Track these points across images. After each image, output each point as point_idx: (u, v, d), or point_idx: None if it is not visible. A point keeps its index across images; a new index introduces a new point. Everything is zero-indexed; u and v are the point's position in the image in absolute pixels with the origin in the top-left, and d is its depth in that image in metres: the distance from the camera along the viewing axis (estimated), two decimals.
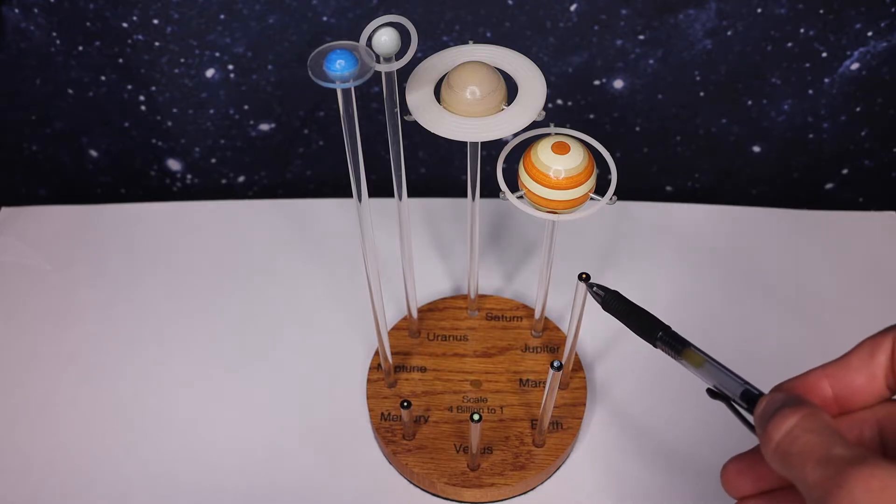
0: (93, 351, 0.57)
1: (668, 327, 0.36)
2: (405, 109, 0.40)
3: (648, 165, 0.71)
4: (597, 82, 0.64)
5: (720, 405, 0.32)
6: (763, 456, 0.28)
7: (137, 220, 0.66)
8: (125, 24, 0.60)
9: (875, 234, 0.65)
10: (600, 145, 0.43)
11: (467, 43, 0.42)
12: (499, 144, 0.66)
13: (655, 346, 0.36)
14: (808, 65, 0.62)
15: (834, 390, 0.30)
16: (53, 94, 0.66)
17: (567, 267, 0.57)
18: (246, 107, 0.66)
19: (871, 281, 0.61)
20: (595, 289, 0.40)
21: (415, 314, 0.54)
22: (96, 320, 0.59)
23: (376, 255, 0.43)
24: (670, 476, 0.50)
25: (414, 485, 0.50)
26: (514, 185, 0.42)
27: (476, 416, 0.42)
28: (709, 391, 0.33)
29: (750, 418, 0.30)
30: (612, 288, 0.40)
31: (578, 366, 0.54)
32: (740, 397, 0.31)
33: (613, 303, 0.39)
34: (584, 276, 0.43)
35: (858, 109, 0.65)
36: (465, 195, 0.47)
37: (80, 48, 0.62)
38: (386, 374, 0.52)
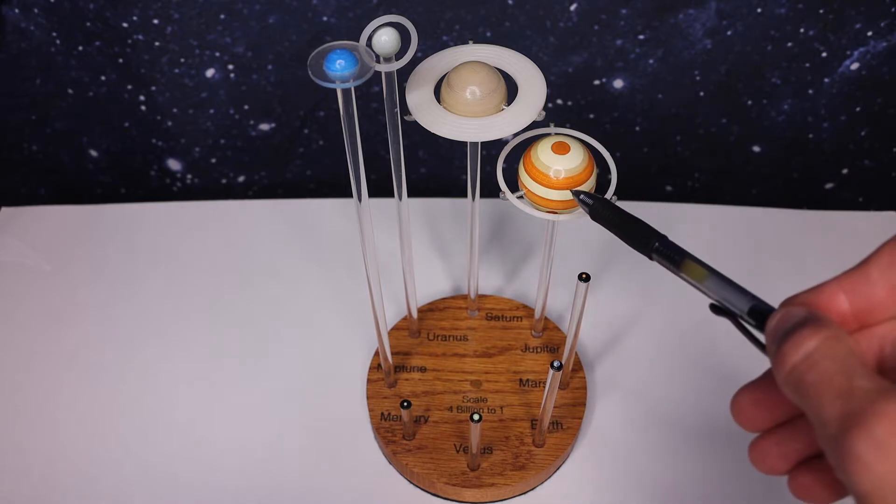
0: (93, 351, 0.57)
1: (665, 236, 0.31)
2: (405, 109, 0.40)
3: (648, 165, 0.71)
4: (597, 82, 0.64)
5: (722, 401, 0.30)
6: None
7: (137, 220, 0.66)
8: (125, 24, 0.60)
9: (875, 234, 0.65)
10: (600, 145, 0.43)
11: (467, 43, 0.42)
12: (499, 144, 0.66)
13: (651, 258, 0.32)
14: (808, 65, 0.62)
15: (852, 304, 0.26)
16: (53, 94, 0.66)
17: (567, 267, 0.57)
18: (246, 107, 0.66)
19: None
20: (582, 197, 0.35)
21: (415, 314, 0.54)
22: (96, 320, 0.59)
23: (376, 255, 0.43)
24: (671, 476, 0.50)
25: (414, 485, 0.50)
26: (514, 185, 0.42)
27: (476, 416, 0.42)
28: (712, 307, 0.29)
29: (760, 336, 0.27)
30: (602, 197, 0.35)
31: (578, 366, 0.54)
32: (748, 314, 0.28)
33: (603, 211, 0.34)
34: (583, 275, 0.43)
35: (858, 109, 0.65)
36: (465, 195, 0.47)
37: (80, 48, 0.62)
38: (386, 374, 0.52)
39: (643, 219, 0.34)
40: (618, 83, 0.64)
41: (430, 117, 0.39)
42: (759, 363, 0.29)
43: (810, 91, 0.64)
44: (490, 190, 0.45)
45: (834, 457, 0.22)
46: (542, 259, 0.48)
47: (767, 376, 0.28)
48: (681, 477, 0.50)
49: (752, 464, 0.28)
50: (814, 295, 0.27)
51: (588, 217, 0.41)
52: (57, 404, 0.54)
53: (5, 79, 0.64)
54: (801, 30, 0.59)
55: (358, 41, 0.34)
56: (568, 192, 0.40)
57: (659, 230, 0.32)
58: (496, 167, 0.43)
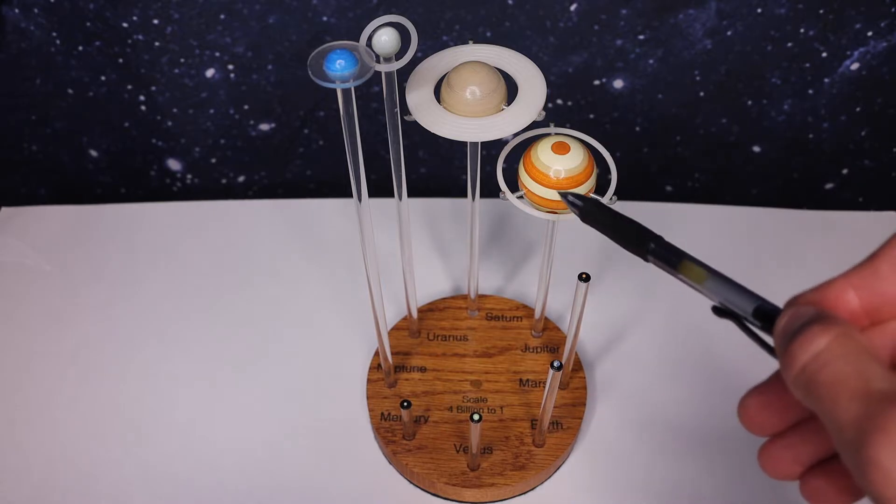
0: (93, 351, 0.57)
1: (660, 237, 0.30)
2: (405, 109, 0.40)
3: (648, 165, 0.71)
4: (597, 82, 0.64)
5: (722, 401, 0.29)
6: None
7: (137, 220, 0.66)
8: (125, 24, 0.60)
9: (875, 234, 0.65)
10: (600, 145, 0.43)
11: (467, 43, 0.42)
12: (499, 144, 0.66)
13: (647, 259, 0.30)
14: (808, 65, 0.62)
15: (862, 301, 0.25)
16: (53, 94, 0.65)
17: (567, 267, 0.57)
18: (246, 107, 0.66)
19: None
20: (570, 198, 0.34)
21: (415, 314, 0.54)
22: (96, 320, 0.59)
23: (376, 256, 0.43)
24: (670, 476, 0.50)
25: (414, 485, 0.50)
26: (514, 185, 0.42)
27: (476, 416, 0.42)
28: (714, 309, 0.28)
29: (766, 338, 0.26)
30: (592, 198, 0.33)
31: (578, 366, 0.54)
32: (753, 314, 0.26)
33: (594, 212, 0.32)
34: (583, 275, 0.43)
35: (858, 109, 0.65)
36: (465, 195, 0.47)
37: (80, 48, 0.62)
38: (386, 374, 0.52)
39: (643, 219, 0.34)
40: (618, 83, 0.64)
41: (430, 117, 0.39)
42: (759, 362, 0.29)
43: (810, 91, 0.64)
44: (490, 190, 0.45)
45: (852, 462, 0.21)
46: (542, 259, 0.48)
47: (775, 379, 0.27)
48: (680, 477, 0.50)
49: (763, 469, 0.27)
50: (822, 292, 0.26)
51: None
52: (57, 404, 0.54)
53: (5, 79, 0.64)
54: (801, 30, 0.59)
55: (358, 41, 0.34)
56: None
57: (657, 231, 0.32)
58: (496, 167, 0.43)
